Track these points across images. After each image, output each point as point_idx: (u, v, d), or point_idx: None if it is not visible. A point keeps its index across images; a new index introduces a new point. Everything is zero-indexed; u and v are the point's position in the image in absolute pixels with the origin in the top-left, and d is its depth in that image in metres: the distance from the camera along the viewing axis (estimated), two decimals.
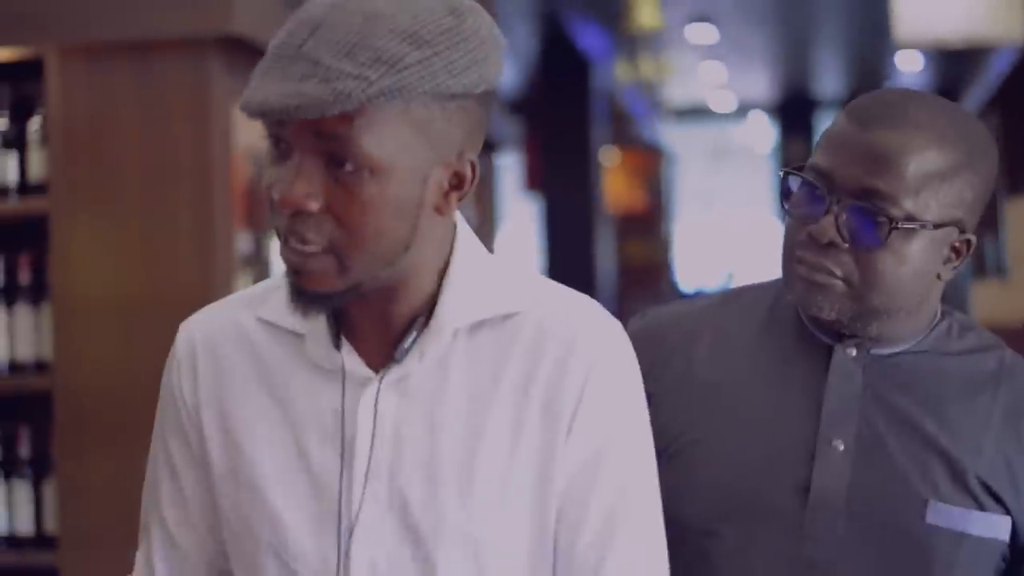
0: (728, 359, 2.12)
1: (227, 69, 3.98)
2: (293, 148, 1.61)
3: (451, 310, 1.72)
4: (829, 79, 17.99)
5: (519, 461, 1.71)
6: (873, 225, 1.96)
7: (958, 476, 2.01)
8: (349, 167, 1.60)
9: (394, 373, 1.72)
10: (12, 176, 4.00)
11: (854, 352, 2.05)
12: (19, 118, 4.01)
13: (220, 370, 1.80)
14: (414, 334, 1.71)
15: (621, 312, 14.92)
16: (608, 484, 1.73)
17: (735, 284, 2.28)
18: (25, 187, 4.00)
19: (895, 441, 2.02)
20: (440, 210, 1.67)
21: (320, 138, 1.59)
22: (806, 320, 2.08)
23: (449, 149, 1.65)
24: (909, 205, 1.95)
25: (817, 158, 2.01)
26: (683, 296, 17.40)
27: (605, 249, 14.07)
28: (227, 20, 3.82)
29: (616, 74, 15.42)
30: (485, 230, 8.16)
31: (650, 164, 17.30)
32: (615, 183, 16.08)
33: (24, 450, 4.03)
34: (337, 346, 1.73)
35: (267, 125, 1.62)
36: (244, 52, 4.03)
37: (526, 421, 1.72)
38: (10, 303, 4.01)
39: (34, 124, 3.98)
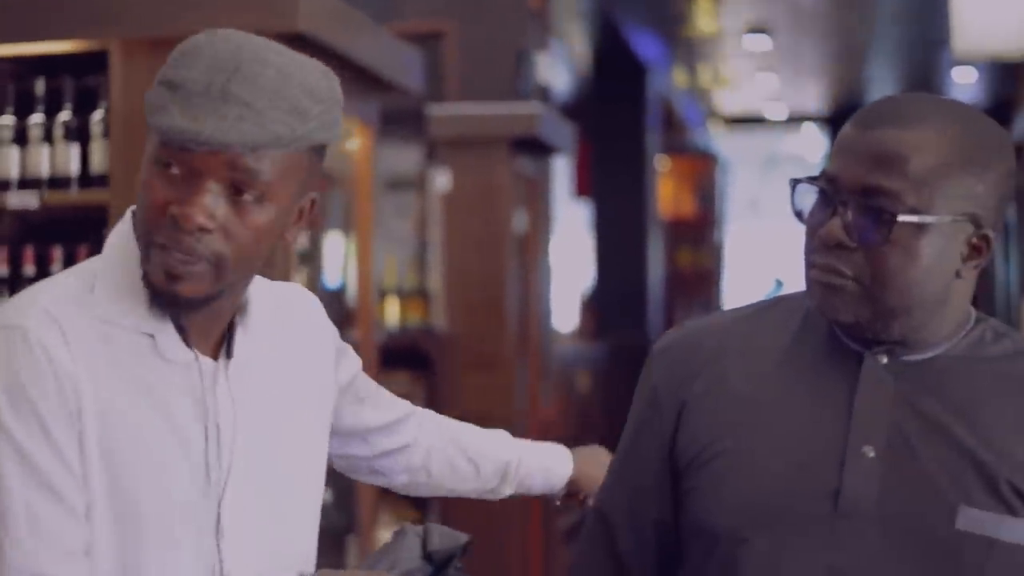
0: (760, 369, 2.14)
1: None
2: (199, 173, 1.87)
3: (258, 308, 2.09)
4: (882, 91, 17.93)
5: (319, 413, 2.19)
6: (878, 222, 1.97)
7: (990, 482, 2.00)
8: (248, 196, 1.91)
9: (230, 361, 2.04)
10: (74, 167, 4.04)
11: (885, 359, 2.06)
12: (82, 110, 4.04)
13: (84, 354, 1.93)
14: (240, 329, 2.05)
15: (670, 319, 14.82)
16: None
17: (784, 293, 2.29)
18: (87, 178, 4.03)
19: (926, 447, 2.02)
20: (287, 236, 2.02)
21: (230, 169, 1.87)
22: (837, 328, 2.09)
23: (308, 189, 2.00)
24: (912, 200, 1.96)
25: (826, 165, 2.04)
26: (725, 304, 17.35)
27: (655, 256, 14.04)
28: (292, 18, 3.83)
29: (673, 81, 15.40)
30: (539, 235, 8.10)
31: (702, 171, 17.25)
32: (666, 190, 16.06)
33: None
34: (188, 343, 1.99)
35: (169, 151, 1.89)
36: (307, 50, 4.02)
37: (311, 375, 2.17)
38: None
39: (97, 116, 4.01)
